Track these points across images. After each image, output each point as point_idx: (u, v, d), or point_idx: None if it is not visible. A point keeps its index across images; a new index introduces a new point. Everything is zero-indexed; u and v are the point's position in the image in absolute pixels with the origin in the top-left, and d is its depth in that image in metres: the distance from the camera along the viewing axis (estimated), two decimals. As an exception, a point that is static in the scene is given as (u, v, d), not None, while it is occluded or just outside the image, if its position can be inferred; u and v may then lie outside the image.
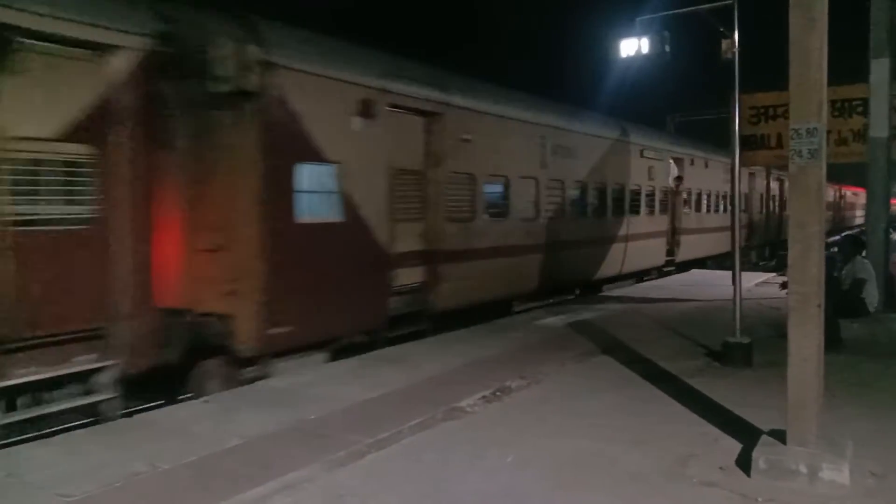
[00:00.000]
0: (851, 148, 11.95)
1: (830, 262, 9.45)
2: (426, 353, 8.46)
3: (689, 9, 9.77)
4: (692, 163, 20.24)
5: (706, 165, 21.29)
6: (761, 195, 27.09)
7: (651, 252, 17.76)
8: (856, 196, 51.95)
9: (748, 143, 12.06)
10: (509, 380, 7.07)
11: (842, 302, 9.11)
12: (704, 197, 21.42)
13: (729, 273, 13.48)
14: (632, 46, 11.74)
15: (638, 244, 16.57)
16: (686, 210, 19.96)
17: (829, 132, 5.76)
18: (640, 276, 17.97)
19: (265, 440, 5.38)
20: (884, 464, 4.76)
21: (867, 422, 5.68)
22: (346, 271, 8.35)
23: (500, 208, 11.70)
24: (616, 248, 15.66)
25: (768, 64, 8.63)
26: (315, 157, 7.96)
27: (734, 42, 8.41)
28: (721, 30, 8.68)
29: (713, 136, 23.31)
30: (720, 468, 4.79)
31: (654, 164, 17.44)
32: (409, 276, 9.49)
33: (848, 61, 11.23)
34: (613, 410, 6.21)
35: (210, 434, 5.49)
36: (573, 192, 13.83)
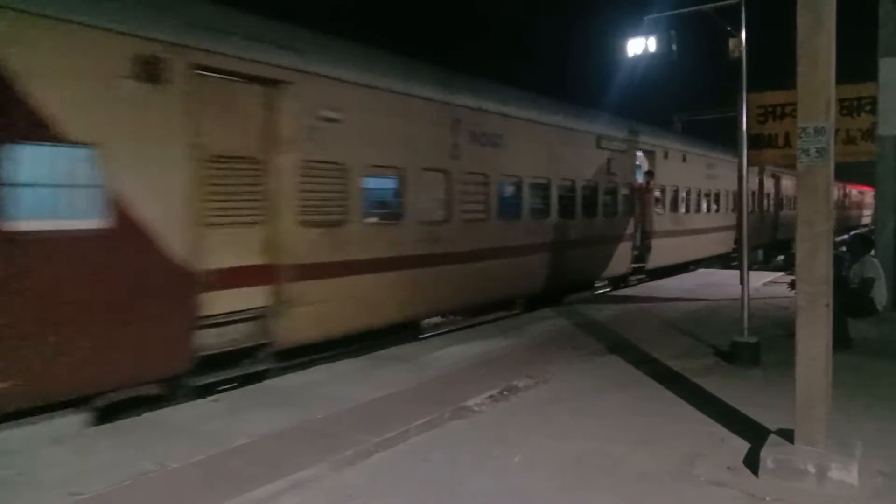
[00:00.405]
0: (860, 147, 11.88)
1: (839, 260, 9.40)
2: (433, 352, 8.46)
3: (697, 7, 9.75)
4: (666, 156, 17.67)
5: (684, 159, 18.79)
6: (753, 193, 24.56)
7: (611, 258, 15.32)
8: (861, 195, 51.43)
9: (756, 142, 12.01)
10: (516, 379, 7.07)
11: (850, 301, 9.04)
12: (682, 195, 18.86)
13: (736, 272, 13.44)
14: (639, 45, 11.73)
15: (594, 249, 14.40)
16: (659, 210, 17.45)
17: (836, 131, 5.75)
18: (615, 282, 16.19)
19: (273, 439, 5.40)
20: (893, 464, 4.75)
21: (876, 421, 5.66)
22: (111, 297, 6.06)
23: (390, 209, 9.48)
24: (565, 255, 13.18)
25: (776, 63, 8.62)
26: (46, 135, 5.71)
27: (741, 41, 8.40)
28: (728, 29, 8.67)
29: (720, 136, 22.98)
30: (728, 468, 4.79)
31: (616, 156, 15.04)
32: (236, 301, 7.17)
33: (856, 60, 11.19)
34: (621, 410, 6.20)
35: (218, 433, 5.52)
36: (503, 189, 11.52)
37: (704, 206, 20.59)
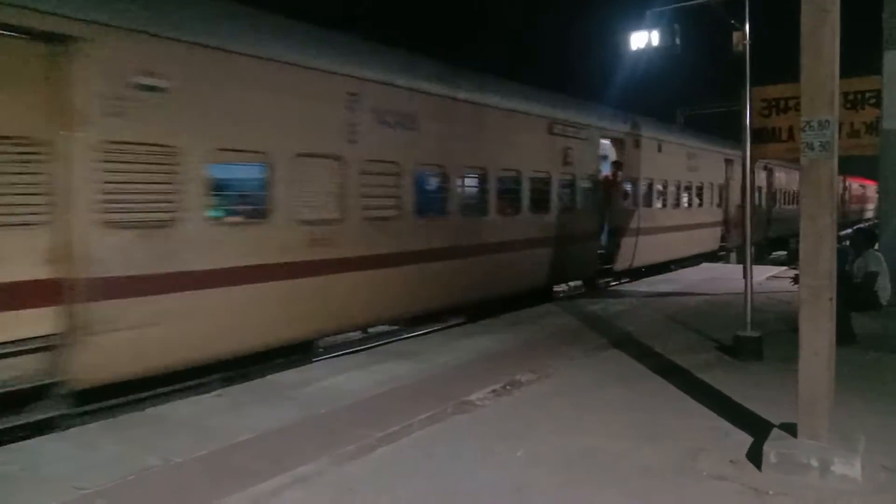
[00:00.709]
0: (863, 140, 11.84)
1: (842, 255, 9.39)
2: (436, 347, 8.47)
3: (700, 0, 9.71)
4: (637, 144, 15.74)
5: (659, 149, 16.87)
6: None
7: (571, 259, 13.34)
8: (863, 188, 50.88)
9: (759, 135, 11.97)
10: (519, 374, 7.07)
11: (854, 295, 9.05)
12: (658, 188, 17.08)
13: (738, 267, 13.42)
14: (642, 39, 11.71)
15: (547, 251, 12.53)
16: (628, 204, 15.79)
17: (840, 124, 5.73)
18: (584, 285, 14.80)
19: (276, 434, 5.41)
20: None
21: (879, 416, 5.65)
22: None
23: (253, 205, 7.53)
24: (510, 258, 11.49)
25: (780, 57, 8.58)
26: None
27: (745, 34, 8.36)
28: (732, 22, 8.64)
29: (724, 130, 22.70)
30: (731, 462, 4.79)
31: (574, 144, 13.22)
32: (5, 328, 5.49)
33: (860, 54, 11.16)
34: (623, 405, 6.20)
35: (221, 428, 5.53)
36: (422, 182, 9.78)
37: (685, 200, 18.97)
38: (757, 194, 23.90)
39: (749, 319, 7.91)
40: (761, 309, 9.46)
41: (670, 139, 17.88)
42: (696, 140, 20.30)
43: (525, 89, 12.70)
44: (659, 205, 17.39)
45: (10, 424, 5.66)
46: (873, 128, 11.59)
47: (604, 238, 14.86)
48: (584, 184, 13.70)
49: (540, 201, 12.34)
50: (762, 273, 15.16)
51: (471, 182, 10.80)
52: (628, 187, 15.76)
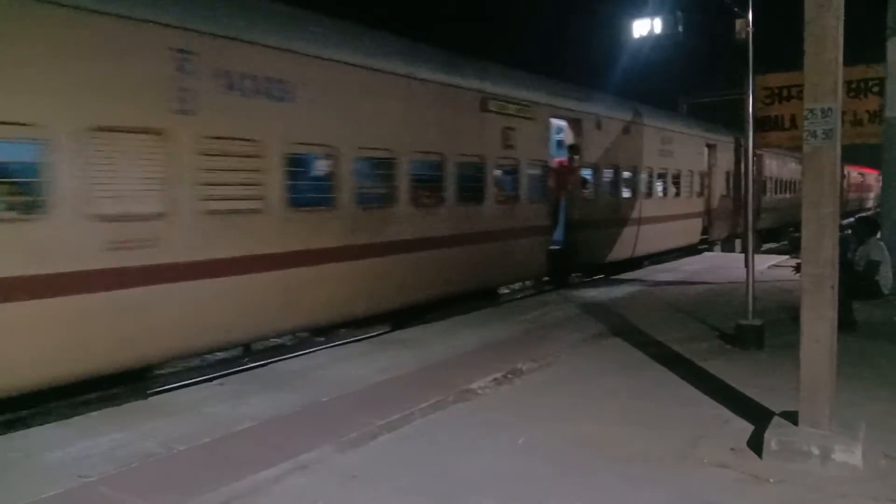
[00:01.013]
0: (867, 129, 11.84)
1: (844, 243, 9.39)
2: (437, 336, 8.48)
3: (703, -12, 9.65)
4: (598, 126, 13.89)
5: (626, 130, 15.14)
6: (727, 174, 21.11)
7: (513, 258, 11.69)
8: (862, 177, 50.34)
9: (762, 124, 11.95)
10: (520, 362, 7.08)
11: (855, 284, 9.05)
12: (625, 175, 15.35)
13: (739, 256, 13.38)
14: (645, 27, 11.67)
15: (481, 248, 10.68)
16: (587, 194, 13.99)
17: (843, 113, 5.72)
18: (537, 285, 13.24)
19: (278, 422, 5.43)
20: (897, 446, 4.75)
21: (880, 404, 5.66)
22: None
23: (21, 194, 5.72)
24: (427, 258, 9.69)
25: (783, 45, 8.54)
26: None
27: (748, 22, 8.32)
28: (735, 9, 8.59)
29: (725, 118, 22.52)
30: (731, 449, 4.80)
31: (516, 124, 11.46)
32: None
33: (863, 42, 11.11)
34: (624, 393, 6.21)
35: (223, 416, 5.55)
36: (299, 166, 7.92)
37: (659, 188, 17.21)
38: (742, 182, 22.00)
39: (751, 308, 7.91)
40: (763, 297, 9.45)
41: (639, 120, 15.93)
42: (672, 122, 18.57)
43: (448, 57, 10.75)
44: (627, 194, 15.67)
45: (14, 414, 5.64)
46: (877, 116, 11.57)
47: (559, 233, 13.18)
48: (530, 170, 11.91)
49: (471, 190, 10.56)
50: (763, 262, 15.15)
51: (373, 167, 8.97)
52: (588, 175, 14.03)
